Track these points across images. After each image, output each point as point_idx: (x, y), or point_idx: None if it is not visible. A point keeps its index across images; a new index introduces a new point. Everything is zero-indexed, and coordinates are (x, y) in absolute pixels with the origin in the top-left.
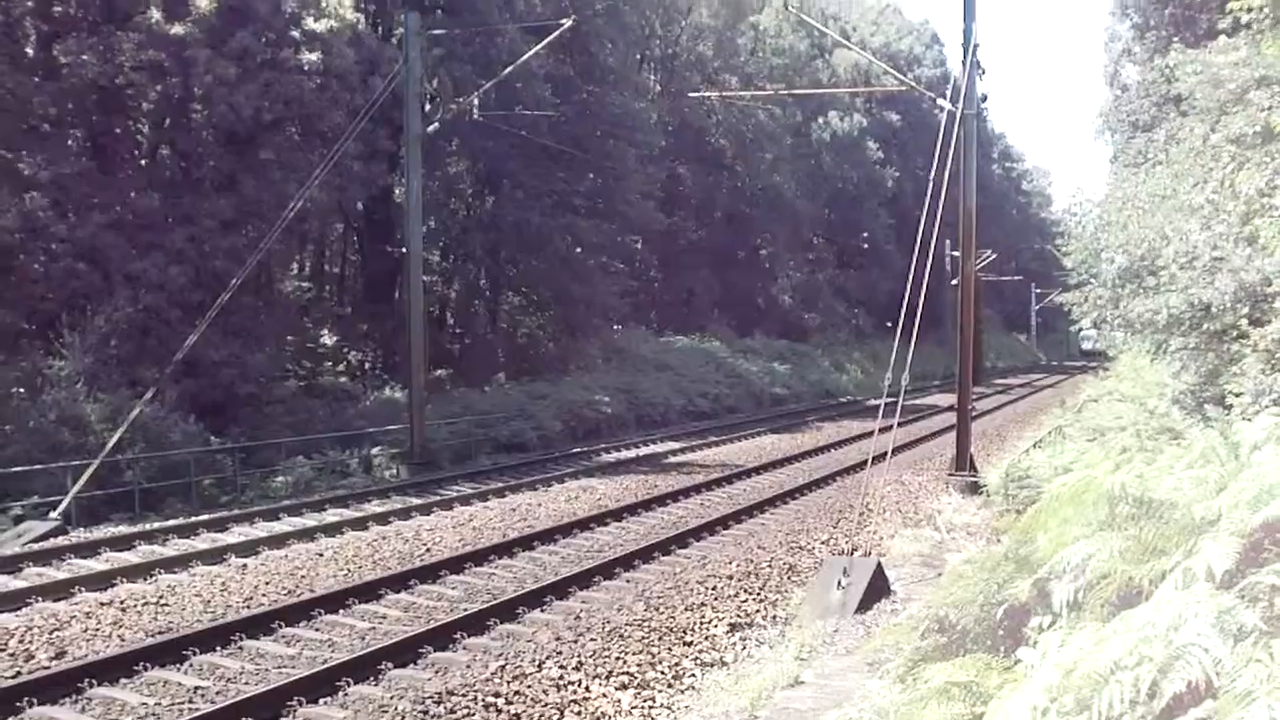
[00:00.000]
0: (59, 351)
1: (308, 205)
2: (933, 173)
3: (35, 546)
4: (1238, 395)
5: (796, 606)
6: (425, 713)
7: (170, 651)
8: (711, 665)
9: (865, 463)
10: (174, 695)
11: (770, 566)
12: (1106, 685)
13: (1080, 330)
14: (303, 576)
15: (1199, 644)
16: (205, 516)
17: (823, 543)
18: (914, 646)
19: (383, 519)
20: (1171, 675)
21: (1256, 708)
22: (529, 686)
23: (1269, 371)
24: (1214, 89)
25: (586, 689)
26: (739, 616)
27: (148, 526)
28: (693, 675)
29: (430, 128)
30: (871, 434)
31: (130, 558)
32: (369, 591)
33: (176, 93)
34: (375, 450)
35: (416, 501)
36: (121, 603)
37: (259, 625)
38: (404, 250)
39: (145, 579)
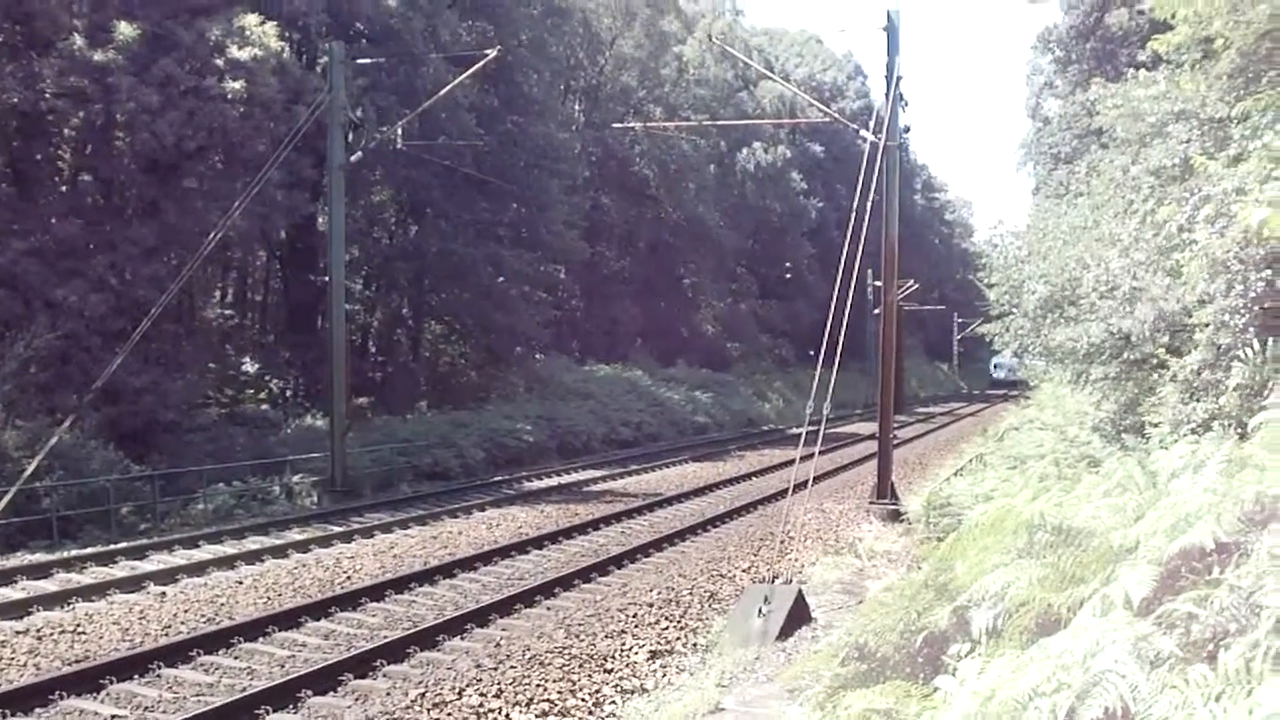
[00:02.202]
0: None
1: (230, 233)
2: (855, 203)
3: None
4: (1156, 424)
5: (718, 634)
6: None
7: (87, 680)
8: (632, 692)
9: (786, 491)
10: None
11: (691, 594)
12: (1025, 712)
13: (993, 361)
14: (222, 604)
15: (1116, 670)
16: (124, 544)
17: (744, 570)
18: (834, 673)
19: (303, 546)
20: (1089, 702)
21: None
22: (449, 714)
23: (1187, 401)
24: (1134, 122)
25: (507, 716)
26: (660, 644)
27: (65, 554)
28: (613, 702)
29: (354, 157)
30: (793, 462)
31: (47, 586)
32: (289, 619)
33: (99, 119)
34: (297, 478)
35: (338, 529)
36: (38, 631)
37: (178, 653)
38: (326, 279)
39: (62, 607)
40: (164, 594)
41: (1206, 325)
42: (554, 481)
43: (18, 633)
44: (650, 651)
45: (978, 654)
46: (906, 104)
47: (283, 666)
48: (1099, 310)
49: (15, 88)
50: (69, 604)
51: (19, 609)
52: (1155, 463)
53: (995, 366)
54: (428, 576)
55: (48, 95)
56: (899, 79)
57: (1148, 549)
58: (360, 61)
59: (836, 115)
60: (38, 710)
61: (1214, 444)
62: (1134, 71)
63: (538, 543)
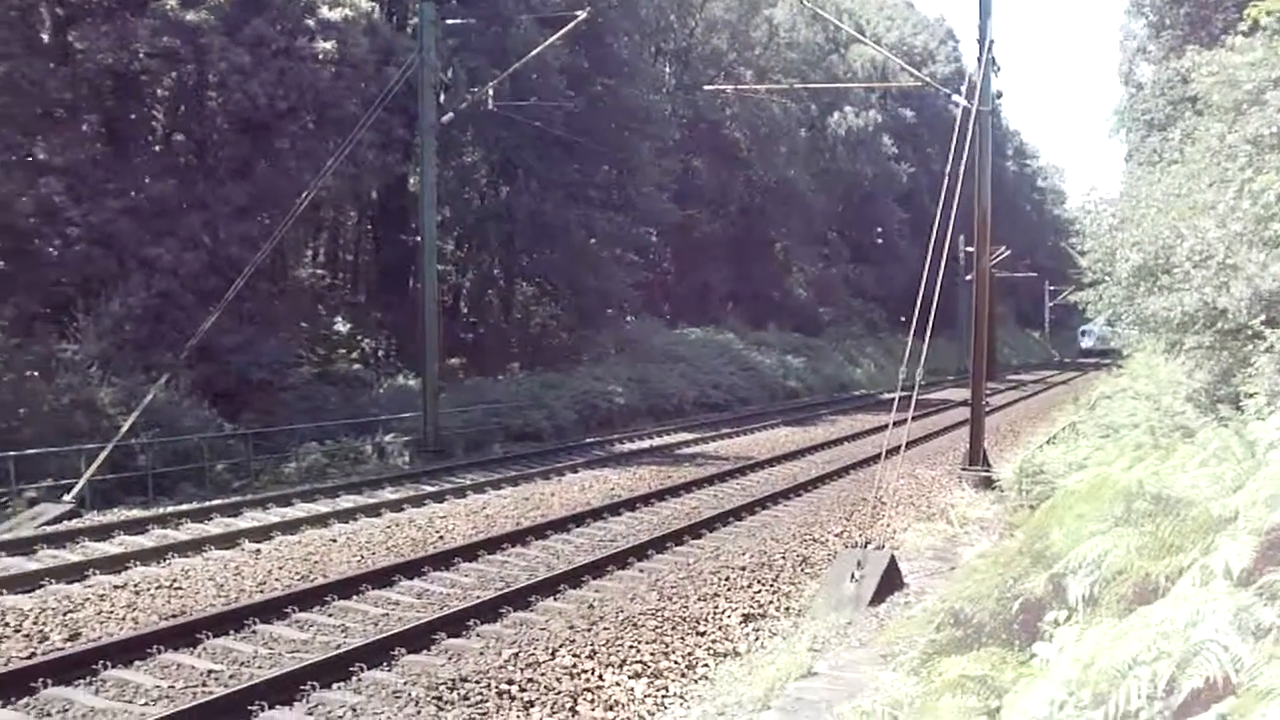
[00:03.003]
0: (73, 336)
1: (322, 193)
2: (948, 169)
3: (49, 529)
4: (1252, 395)
5: (810, 598)
6: (439, 698)
7: (183, 634)
8: (725, 655)
9: (879, 456)
10: (187, 678)
11: (784, 558)
12: (1124, 680)
13: (1081, 328)
14: (316, 562)
15: (1217, 640)
16: (218, 501)
17: (836, 535)
18: (928, 639)
19: (396, 506)
20: (1189, 671)
21: (1278, 705)
22: (542, 674)
23: None
24: (1231, 89)
25: (600, 677)
26: (752, 607)
27: (161, 510)
28: (706, 665)
29: (445, 118)
30: (884, 428)
31: (144, 541)
32: (382, 577)
33: (191, 79)
34: (389, 438)
35: (430, 489)
36: (135, 586)
37: (272, 609)
38: (418, 239)
39: (159, 562)
40: (258, 551)
41: None
42: (645, 444)
43: (116, 587)
44: (743, 615)
45: (1074, 621)
46: (999, 69)
47: (376, 624)
48: (1193, 279)
49: (110, 48)
50: (165, 559)
51: (117, 564)
52: (1252, 433)
53: (1083, 334)
54: (520, 537)
55: (141, 56)
56: (991, 43)
57: (1247, 519)
58: (450, 22)
59: (928, 80)
60: (136, 663)
61: None
62: (1229, 38)
63: (630, 505)
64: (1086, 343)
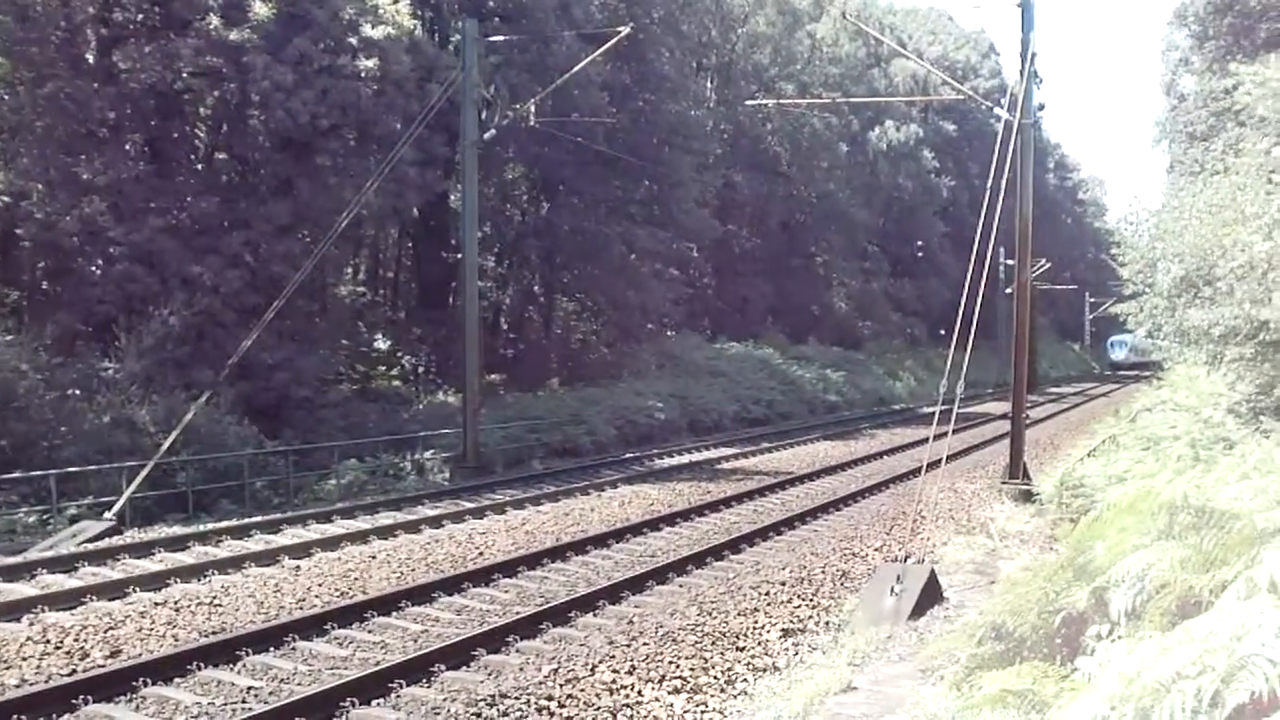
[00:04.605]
0: (115, 354)
1: (363, 211)
2: (989, 182)
3: (90, 546)
4: None
5: (849, 613)
6: (478, 715)
7: (224, 652)
8: (764, 670)
9: (918, 470)
10: (227, 695)
11: (824, 572)
12: (1168, 694)
13: (1111, 340)
14: (355, 578)
15: (1263, 654)
16: (258, 518)
17: (876, 549)
18: (970, 654)
19: (435, 522)
20: (1235, 685)
21: None
22: (581, 690)
23: None
24: (1276, 101)
25: (639, 693)
26: (792, 622)
27: (201, 528)
28: (745, 680)
29: (487, 134)
30: (924, 441)
31: (184, 558)
32: (422, 594)
33: (234, 98)
34: (428, 454)
35: (469, 505)
36: (175, 603)
37: (312, 626)
38: (459, 256)
39: (199, 579)
40: (298, 567)
41: None
42: (685, 459)
43: (156, 604)
44: (782, 630)
45: (1117, 636)
46: (1041, 81)
47: (415, 641)
48: (1235, 293)
49: (153, 67)
50: (205, 576)
51: (157, 581)
52: None
53: (1112, 345)
54: (560, 553)
55: (184, 75)
56: (1033, 55)
57: None
58: (492, 39)
59: (970, 93)
60: (176, 680)
61: None
62: (1271, 55)
63: (670, 520)
64: (1117, 354)
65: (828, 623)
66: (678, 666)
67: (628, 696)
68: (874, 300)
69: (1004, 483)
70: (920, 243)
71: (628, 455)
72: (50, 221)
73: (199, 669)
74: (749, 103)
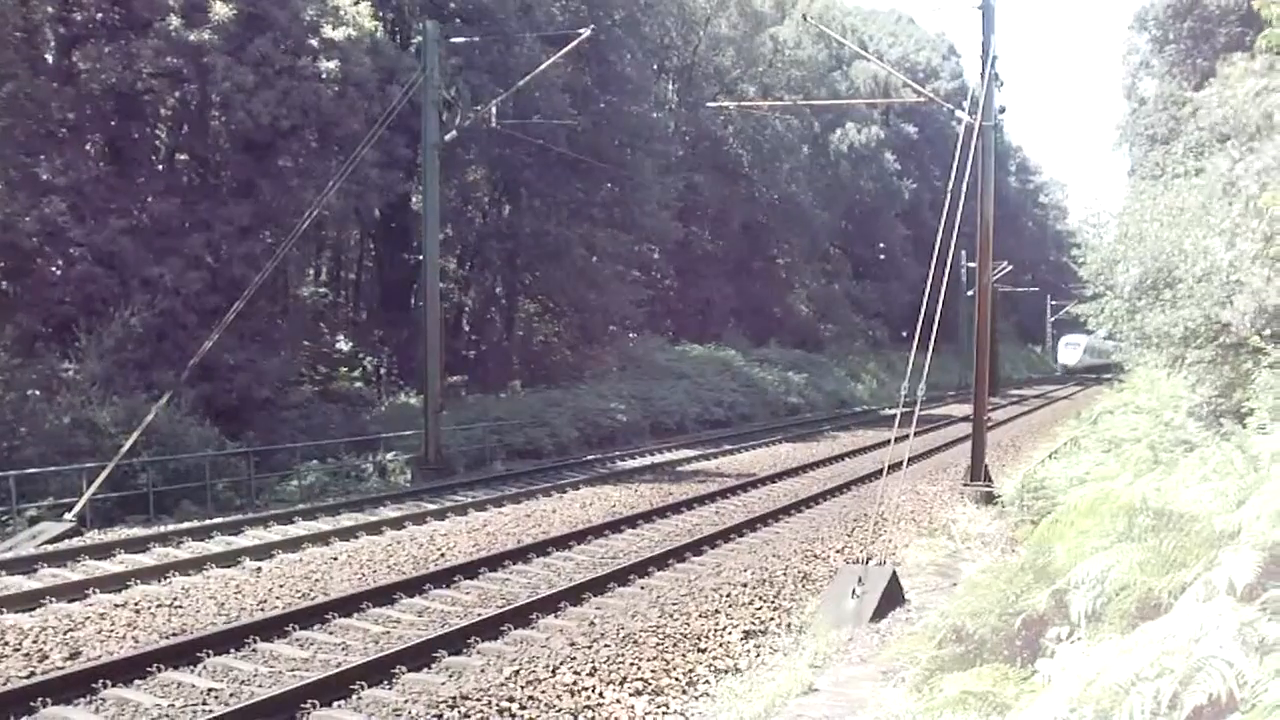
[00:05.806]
0: (75, 355)
1: (325, 212)
2: (950, 184)
3: (50, 548)
4: (1254, 409)
5: (811, 615)
6: (439, 717)
7: (184, 653)
8: (725, 672)
9: (880, 472)
10: (187, 697)
11: (785, 574)
12: (1127, 696)
13: (1063, 340)
14: (317, 580)
15: (1221, 656)
16: (219, 519)
17: (837, 551)
18: (930, 655)
19: (397, 524)
20: (1193, 687)
21: None
22: (543, 692)
23: None
24: (1239, 117)
25: (600, 695)
26: (753, 624)
27: (162, 529)
28: (707, 681)
29: (448, 136)
30: (886, 443)
31: (145, 560)
32: (383, 595)
33: (194, 99)
34: (390, 455)
35: (431, 506)
36: (136, 604)
37: (273, 628)
38: (421, 257)
39: (160, 581)
40: (259, 569)
41: None
42: (647, 461)
43: (116, 605)
44: (744, 631)
45: (1077, 638)
46: (1001, 84)
47: (377, 642)
48: (1195, 294)
49: (114, 68)
50: (166, 578)
51: (118, 582)
52: (1255, 447)
53: (1065, 346)
54: (521, 554)
55: (145, 75)
56: (994, 58)
57: (1251, 534)
58: (454, 40)
59: (931, 95)
60: (136, 682)
61: None
62: (1224, 65)
63: (631, 522)
64: (1069, 358)
65: (789, 624)
66: (639, 668)
67: (589, 698)
68: (835, 302)
69: (966, 485)
70: (882, 245)
71: (590, 457)
72: (9, 222)
73: (159, 670)
74: (711, 105)
